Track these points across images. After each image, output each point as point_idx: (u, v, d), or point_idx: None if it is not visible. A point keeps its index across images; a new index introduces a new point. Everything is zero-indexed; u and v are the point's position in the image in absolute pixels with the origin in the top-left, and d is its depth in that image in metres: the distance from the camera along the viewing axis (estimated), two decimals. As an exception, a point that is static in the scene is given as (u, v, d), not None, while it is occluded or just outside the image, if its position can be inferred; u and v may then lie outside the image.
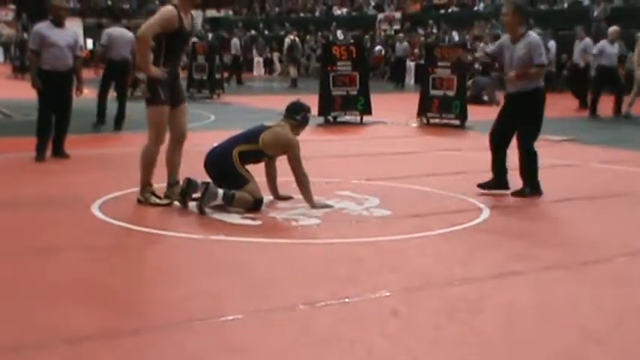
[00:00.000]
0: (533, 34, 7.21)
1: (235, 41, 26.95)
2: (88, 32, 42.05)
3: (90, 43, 42.18)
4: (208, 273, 4.73)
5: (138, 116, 14.02)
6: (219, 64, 20.37)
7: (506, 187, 7.13)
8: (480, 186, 7.17)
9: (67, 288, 4.39)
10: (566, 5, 27.71)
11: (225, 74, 20.84)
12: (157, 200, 6.43)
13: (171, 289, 4.40)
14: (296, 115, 6.68)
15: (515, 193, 7.00)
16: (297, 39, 26.41)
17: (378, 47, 28.76)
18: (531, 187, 6.99)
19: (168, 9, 6.36)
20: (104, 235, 5.63)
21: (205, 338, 3.68)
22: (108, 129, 12.27)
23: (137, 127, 12.99)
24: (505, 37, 7.30)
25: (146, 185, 6.48)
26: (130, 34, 12.38)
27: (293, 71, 25.06)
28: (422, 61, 20.94)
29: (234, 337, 3.72)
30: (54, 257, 5.01)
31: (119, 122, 12.36)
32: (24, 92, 12.49)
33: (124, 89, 12.62)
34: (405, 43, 27.12)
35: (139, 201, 6.45)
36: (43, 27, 9.02)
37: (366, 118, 13.96)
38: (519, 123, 7.02)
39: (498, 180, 7.15)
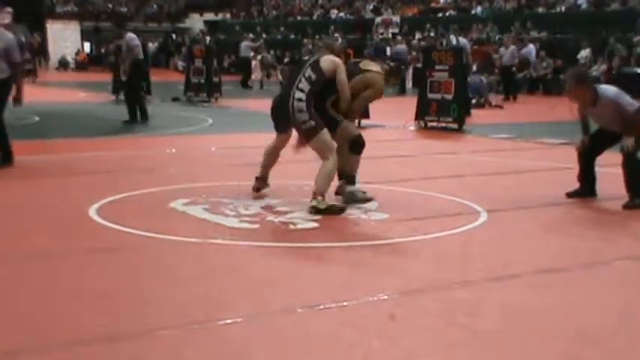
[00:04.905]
0: (608, 91, 6.95)
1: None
2: (85, 35, 42.14)
3: (87, 46, 42.29)
4: (206, 277, 4.72)
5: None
6: (216, 67, 20.38)
7: (594, 194, 7.25)
8: (569, 195, 7.24)
9: (64, 292, 4.38)
10: (563, 9, 27.75)
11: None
12: (333, 204, 6.45)
13: (169, 293, 4.39)
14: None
15: (626, 206, 6.85)
16: (268, 55, 26.90)
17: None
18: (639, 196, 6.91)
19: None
20: (102, 238, 5.62)
21: (203, 342, 3.68)
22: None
23: (135, 131, 13.04)
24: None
25: (323, 195, 6.43)
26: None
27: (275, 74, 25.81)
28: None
29: (232, 340, 3.71)
30: (51, 261, 5.01)
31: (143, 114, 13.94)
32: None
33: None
34: (402, 46, 27.01)
35: (316, 208, 6.33)
36: None
37: (363, 122, 13.96)
38: (620, 137, 6.96)
39: (586, 188, 7.24)
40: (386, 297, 4.34)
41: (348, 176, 6.82)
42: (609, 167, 7.34)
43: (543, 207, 6.93)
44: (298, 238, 5.75)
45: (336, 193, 6.88)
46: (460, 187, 7.67)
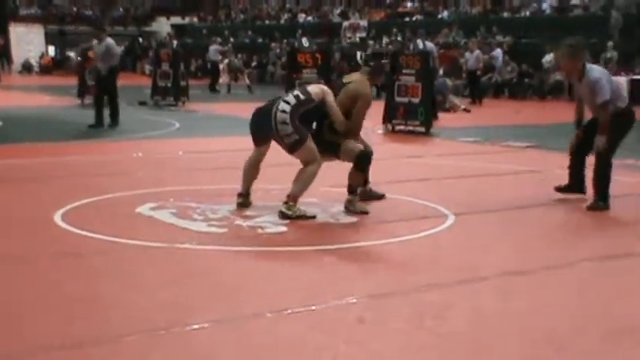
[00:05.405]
0: (593, 72, 7.01)
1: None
2: (49, 38, 41.63)
3: (52, 50, 41.80)
4: (174, 281, 4.69)
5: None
6: (183, 71, 20.27)
7: (583, 192, 7.27)
8: (558, 189, 7.29)
9: (29, 297, 4.32)
10: (528, 14, 28.05)
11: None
12: (304, 213, 6.36)
13: (136, 298, 4.36)
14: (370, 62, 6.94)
15: (593, 207, 6.93)
16: (235, 59, 26.76)
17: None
18: (604, 198, 6.96)
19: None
20: (66, 243, 5.56)
21: (170, 348, 3.65)
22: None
23: (101, 136, 12.91)
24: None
25: (296, 200, 6.39)
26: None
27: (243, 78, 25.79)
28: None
29: (200, 346, 3.69)
30: (15, 266, 4.94)
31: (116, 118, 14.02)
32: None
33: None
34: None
35: (286, 215, 6.29)
36: None
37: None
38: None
39: (575, 184, 7.29)
40: (355, 300, 4.34)
41: (350, 186, 6.66)
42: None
43: (510, 210, 6.99)
44: (267, 242, 5.73)
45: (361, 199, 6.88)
46: (427, 191, 7.71)
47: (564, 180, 7.40)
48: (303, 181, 6.42)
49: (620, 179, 7.51)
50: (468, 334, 3.92)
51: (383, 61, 7.19)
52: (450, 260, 5.32)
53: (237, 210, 6.60)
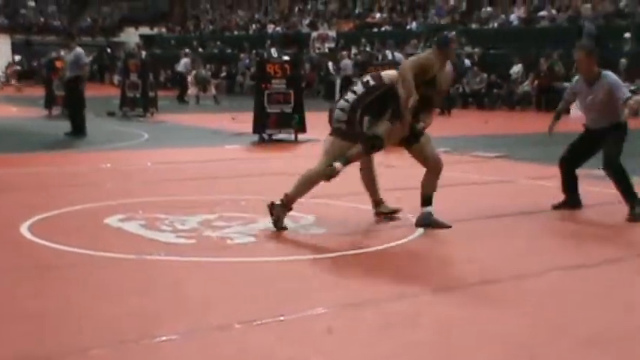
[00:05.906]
0: (609, 75, 7.12)
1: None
2: (16, 48, 41.24)
3: (18, 59, 41.37)
4: (141, 293, 4.65)
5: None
6: (152, 82, 20.20)
7: (580, 204, 7.32)
8: (555, 207, 7.29)
9: (-5, 311, 4.26)
10: (496, 25, 28.36)
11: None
12: (277, 221, 6.28)
13: (103, 311, 4.31)
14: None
15: (632, 218, 6.91)
16: (202, 70, 26.79)
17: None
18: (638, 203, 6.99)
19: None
20: (33, 256, 5.49)
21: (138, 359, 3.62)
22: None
23: (69, 146, 12.81)
24: (576, 80, 7.30)
25: (291, 203, 6.32)
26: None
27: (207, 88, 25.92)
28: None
29: (168, 358, 3.66)
30: (-19, 280, 4.87)
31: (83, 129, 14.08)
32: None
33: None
34: (347, 61, 27.16)
35: (273, 208, 6.26)
36: None
37: (300, 136, 13.99)
38: (603, 146, 7.04)
39: (572, 198, 7.32)
40: (324, 311, 4.34)
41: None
42: (543, 181, 7.50)
43: (479, 219, 7.04)
44: (235, 253, 5.71)
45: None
46: (398, 201, 7.72)
47: (534, 190, 7.47)
48: (302, 181, 6.38)
49: (590, 189, 7.61)
50: (437, 343, 3.93)
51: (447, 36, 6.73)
52: (420, 270, 5.34)
53: (204, 220, 6.58)
